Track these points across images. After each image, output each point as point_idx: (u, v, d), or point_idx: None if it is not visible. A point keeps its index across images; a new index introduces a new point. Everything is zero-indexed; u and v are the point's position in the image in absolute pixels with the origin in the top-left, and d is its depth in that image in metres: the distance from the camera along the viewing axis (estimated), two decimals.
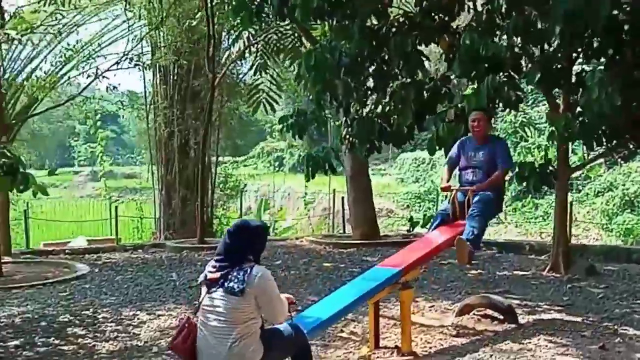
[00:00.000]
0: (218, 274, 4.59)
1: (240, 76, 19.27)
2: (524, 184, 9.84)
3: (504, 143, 7.88)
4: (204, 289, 4.69)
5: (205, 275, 4.66)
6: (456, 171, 7.81)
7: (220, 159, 20.52)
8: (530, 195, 25.52)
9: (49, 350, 6.57)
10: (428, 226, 8.11)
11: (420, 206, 29.32)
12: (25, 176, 8.40)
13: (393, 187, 33.69)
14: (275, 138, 46.81)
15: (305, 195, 27.72)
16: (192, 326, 4.71)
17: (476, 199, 7.19)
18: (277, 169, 43.86)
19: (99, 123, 25.53)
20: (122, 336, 7.03)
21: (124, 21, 16.19)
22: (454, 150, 7.82)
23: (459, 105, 9.34)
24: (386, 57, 9.95)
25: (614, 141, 9.60)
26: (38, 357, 6.33)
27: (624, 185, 23.81)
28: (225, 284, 4.52)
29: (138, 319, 7.77)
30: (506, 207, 25.79)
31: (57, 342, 6.85)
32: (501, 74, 8.92)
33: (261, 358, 4.61)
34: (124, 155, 64.74)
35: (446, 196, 7.78)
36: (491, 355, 6.04)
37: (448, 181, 7.68)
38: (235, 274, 4.52)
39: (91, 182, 48.21)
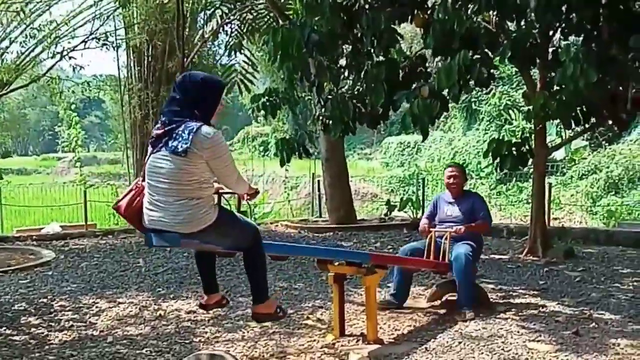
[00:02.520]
0: (162, 131, 4.23)
1: (217, 58, 18.93)
2: (498, 162, 9.57)
3: (481, 198, 7.66)
4: (149, 149, 4.37)
5: (152, 134, 4.34)
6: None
7: None
8: (514, 179, 25.41)
9: None
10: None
11: (405, 190, 29.07)
12: None
13: (378, 171, 33.49)
14: (260, 123, 46.49)
15: (286, 179, 27.40)
16: (140, 189, 4.45)
17: (456, 248, 6.96)
18: (262, 153, 43.58)
19: (74, 107, 24.96)
20: (77, 325, 6.72)
21: (95, 2, 15.70)
22: (430, 207, 7.67)
23: (432, 83, 9.04)
24: (359, 34, 9.66)
25: (592, 119, 9.36)
26: None
27: (608, 167, 23.70)
28: (170, 142, 4.19)
29: (97, 307, 7.46)
30: (490, 190, 25.66)
31: (8, 332, 6.53)
32: (476, 50, 8.65)
33: (212, 226, 4.35)
34: (108, 141, 64.27)
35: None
36: (460, 342, 5.81)
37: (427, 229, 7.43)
38: (180, 132, 4.17)
39: (75, 168, 47.80)
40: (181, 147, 4.13)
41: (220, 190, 4.79)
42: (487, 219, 7.29)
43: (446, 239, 7.07)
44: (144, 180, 4.42)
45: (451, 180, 7.38)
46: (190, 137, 4.13)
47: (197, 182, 4.23)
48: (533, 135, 10.01)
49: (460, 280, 6.81)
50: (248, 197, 4.94)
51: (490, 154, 9.68)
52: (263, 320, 5.10)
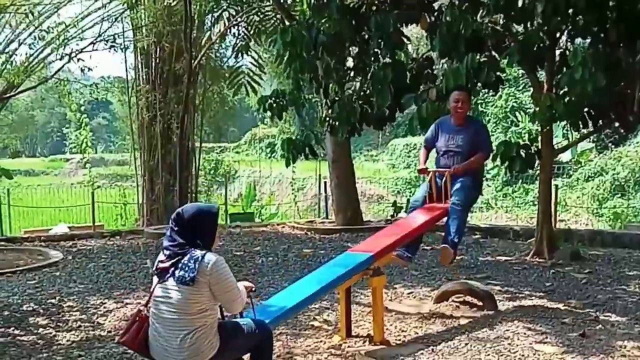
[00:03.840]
0: (168, 263, 4.30)
1: (224, 60, 18.95)
2: (506, 164, 9.56)
3: (485, 127, 7.65)
4: (155, 279, 4.41)
5: (156, 265, 4.39)
6: (434, 153, 7.51)
7: (209, 145, 20.15)
8: (520, 181, 25.39)
9: (7, 341, 6.30)
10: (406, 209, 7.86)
11: (411, 192, 29.05)
12: None
13: (384, 173, 33.51)
14: (267, 124, 46.53)
15: (293, 180, 27.46)
16: (143, 319, 4.43)
17: (456, 186, 6.97)
18: (268, 155, 43.63)
19: (83, 108, 25.08)
20: (85, 326, 6.76)
21: (104, 4, 15.75)
22: (430, 131, 7.49)
23: (440, 86, 9.06)
24: (366, 36, 9.69)
25: (599, 121, 9.35)
26: None
27: (614, 169, 23.66)
28: (176, 272, 4.23)
29: (104, 307, 7.50)
30: (496, 192, 25.63)
31: (16, 332, 6.59)
32: (483, 53, 8.67)
33: (217, 352, 4.35)
34: (116, 142, 64.40)
35: (423, 178, 7.50)
36: (467, 344, 5.82)
37: (425, 163, 7.41)
38: (186, 262, 4.23)
39: (83, 169, 47.93)
40: (189, 276, 4.18)
41: (228, 312, 4.74)
42: (486, 149, 7.23)
43: (446, 178, 7.01)
44: (147, 309, 4.46)
45: (459, 104, 7.17)
46: (196, 265, 4.19)
47: (202, 311, 4.26)
48: (539, 137, 10.00)
49: (458, 208, 6.85)
50: (248, 304, 4.90)
51: (499, 157, 9.67)
52: None
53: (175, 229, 4.36)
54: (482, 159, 7.29)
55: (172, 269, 4.27)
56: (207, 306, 4.29)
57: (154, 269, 4.42)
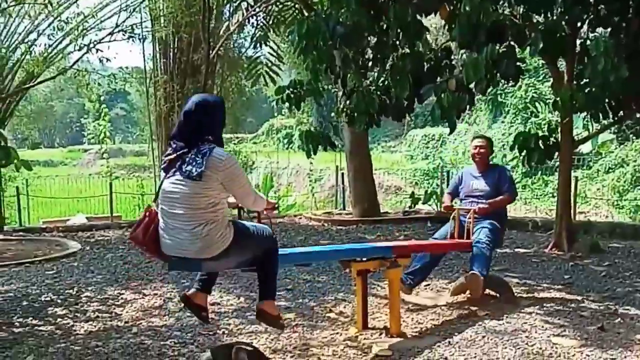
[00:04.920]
0: (174, 156, 4.27)
1: (242, 50, 18.95)
2: (525, 155, 9.49)
3: (507, 170, 7.68)
4: (162, 175, 4.39)
5: (163, 159, 4.36)
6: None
7: (226, 135, 20.10)
8: (539, 172, 25.19)
9: (25, 331, 6.31)
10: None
11: (429, 183, 28.93)
12: (6, 151, 8.09)
13: (402, 164, 33.37)
14: (284, 115, 46.47)
15: (311, 172, 27.40)
16: (153, 215, 4.42)
17: (480, 226, 7.00)
18: (286, 146, 43.58)
19: (102, 98, 25.13)
20: (103, 316, 6.77)
21: None
22: (454, 181, 7.70)
23: (460, 76, 8.98)
24: (385, 27, 9.61)
25: (620, 112, 9.25)
26: (12, 338, 6.06)
27: (635, 161, 23.39)
28: (183, 167, 4.21)
29: (122, 298, 7.52)
30: (515, 183, 25.47)
31: (35, 322, 6.60)
32: (503, 43, 8.58)
33: (229, 246, 4.35)
34: (133, 133, 64.63)
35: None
36: (484, 336, 5.77)
37: (450, 202, 7.53)
38: (193, 156, 4.20)
39: (101, 160, 48.15)
40: (196, 171, 4.15)
41: (240, 205, 4.79)
42: (511, 192, 7.27)
43: (470, 217, 7.04)
44: (157, 205, 4.43)
45: (477, 151, 7.35)
46: (204, 160, 4.15)
47: (212, 205, 4.24)
48: (559, 128, 9.90)
49: (484, 243, 6.84)
50: (267, 212, 4.93)
51: (516, 147, 9.60)
52: (266, 321, 4.87)
53: (187, 120, 4.30)
54: (507, 201, 7.31)
55: (179, 163, 4.23)
56: (216, 200, 4.26)
57: (162, 163, 4.40)
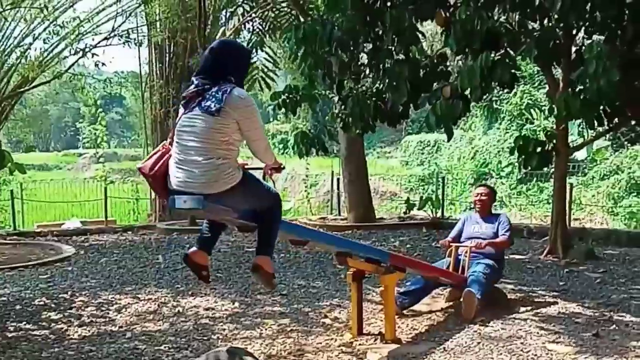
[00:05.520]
0: (195, 92, 4.33)
1: None
2: (523, 159, 9.50)
3: (506, 216, 7.64)
4: (181, 110, 4.43)
5: (184, 94, 4.41)
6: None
7: None
8: (535, 179, 25.22)
9: (19, 335, 6.29)
10: None
11: (424, 189, 28.93)
12: (0, 154, 8.06)
13: (397, 170, 33.36)
14: (280, 120, 46.45)
15: (307, 177, 27.39)
16: (167, 150, 4.48)
17: (475, 261, 7.01)
18: (281, 151, 43.55)
19: (99, 103, 25.15)
20: (97, 321, 6.76)
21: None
22: (457, 226, 7.65)
23: (455, 83, 8.99)
24: (380, 32, 9.62)
25: (615, 119, 9.27)
26: (5, 343, 6.04)
27: (630, 168, 23.43)
28: (203, 102, 4.27)
29: (116, 302, 7.50)
30: (510, 190, 25.49)
31: (28, 326, 6.59)
32: (498, 50, 8.59)
33: (236, 186, 4.38)
34: (129, 138, 64.54)
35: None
36: (479, 343, 5.77)
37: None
38: (213, 92, 4.26)
39: (95, 164, 48.00)
40: (214, 106, 4.21)
41: (246, 166, 4.79)
42: (507, 237, 7.25)
43: (466, 253, 7.06)
44: (171, 143, 4.45)
45: (478, 198, 7.43)
46: (224, 97, 4.22)
47: (226, 143, 4.29)
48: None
49: (482, 275, 6.81)
50: (272, 171, 4.98)
51: (516, 151, 9.61)
52: (260, 276, 4.84)
53: (211, 59, 4.38)
54: (505, 243, 7.29)
55: (199, 98, 4.29)
56: (231, 139, 4.31)
57: (181, 97, 4.44)
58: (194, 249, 4.93)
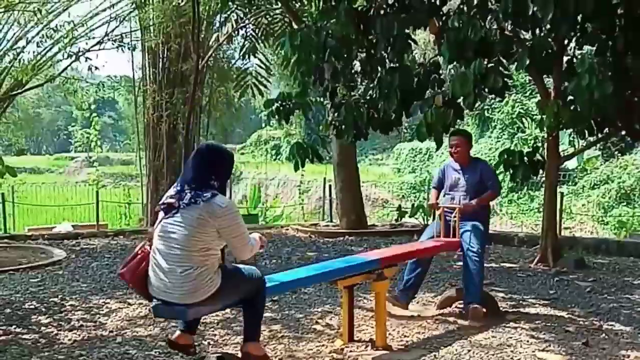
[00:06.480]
0: (176, 199, 4.30)
1: (232, 61, 18.96)
2: (510, 172, 9.56)
3: (489, 165, 7.65)
4: (160, 214, 4.39)
5: (164, 199, 4.37)
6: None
7: None
8: (525, 187, 25.31)
9: (9, 339, 6.26)
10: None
11: (415, 196, 29.01)
12: None
13: (389, 177, 33.45)
14: (272, 126, 46.49)
15: (301, 183, 27.44)
16: (145, 254, 4.45)
17: (467, 228, 7.00)
18: (273, 157, 43.58)
19: (92, 107, 25.08)
20: (87, 325, 6.73)
21: (112, 3, 15.77)
22: (437, 175, 7.64)
23: (447, 91, 9.04)
24: (373, 40, 9.65)
25: (606, 129, 9.33)
26: None
27: (620, 178, 23.57)
28: (182, 210, 4.24)
29: (107, 307, 7.48)
30: (501, 198, 25.57)
31: (18, 330, 6.56)
32: (490, 59, 8.64)
33: (216, 291, 4.35)
34: (121, 142, 64.44)
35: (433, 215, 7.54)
36: (469, 350, 5.79)
37: (436, 199, 7.49)
38: (194, 200, 4.23)
39: (87, 168, 47.89)
40: (194, 215, 4.18)
41: (236, 256, 4.76)
42: (495, 188, 7.25)
43: (455, 216, 7.03)
44: (150, 245, 4.43)
45: (453, 149, 7.27)
46: (205, 206, 4.19)
47: (205, 249, 4.27)
48: (545, 144, 9.98)
49: (473, 268, 6.83)
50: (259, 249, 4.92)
51: (502, 165, 9.66)
52: None
53: (193, 163, 4.37)
54: (491, 197, 7.33)
55: (179, 205, 4.25)
56: (210, 246, 4.28)
57: (161, 203, 4.39)
58: (177, 333, 4.88)
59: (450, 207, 7.18)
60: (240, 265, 4.73)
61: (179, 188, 4.35)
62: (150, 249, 4.44)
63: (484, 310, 6.68)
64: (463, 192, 7.19)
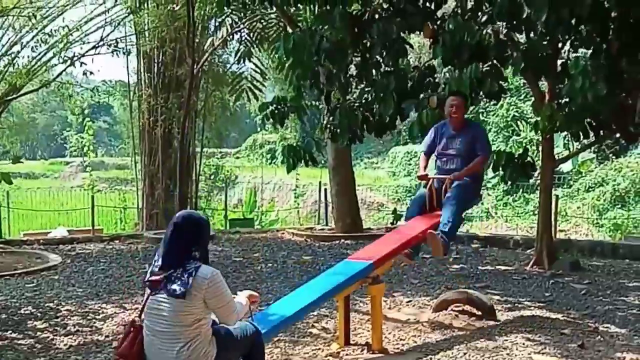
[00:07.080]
0: (161, 276, 4.20)
1: (228, 65, 18.97)
2: (499, 172, 9.59)
3: (482, 129, 7.56)
4: (147, 291, 4.36)
5: (148, 276, 4.33)
6: (434, 157, 7.43)
7: (210, 150, 20.06)
8: (521, 190, 25.36)
9: (4, 344, 6.27)
10: (404, 216, 7.80)
11: (411, 200, 29.02)
12: None
13: (385, 181, 33.45)
14: (268, 130, 46.46)
15: (297, 187, 27.43)
16: (138, 330, 4.37)
17: (454, 185, 6.89)
18: (269, 161, 43.55)
19: (86, 111, 25.08)
20: (83, 330, 6.73)
21: (107, 8, 15.77)
22: (429, 136, 7.42)
23: (442, 94, 9.06)
24: (368, 44, 9.68)
25: (600, 132, 9.36)
26: None
27: (614, 180, 23.63)
28: (168, 286, 4.14)
29: (103, 312, 7.48)
30: (497, 201, 25.61)
31: (14, 335, 6.56)
32: (485, 62, 8.67)
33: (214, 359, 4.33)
34: (116, 147, 64.29)
35: (424, 185, 7.42)
36: (465, 353, 5.79)
37: (425, 169, 7.33)
38: (179, 275, 4.15)
39: (82, 173, 47.79)
40: (180, 290, 4.13)
41: (222, 323, 4.64)
42: (485, 152, 7.15)
43: (445, 186, 6.93)
44: (141, 319, 4.42)
45: (453, 109, 7.10)
46: (189, 279, 4.14)
47: (196, 321, 4.22)
48: (540, 147, 10.00)
49: (452, 200, 6.75)
50: (248, 313, 4.87)
51: (491, 166, 9.69)
52: None
53: (173, 236, 4.29)
54: (481, 162, 7.18)
55: (165, 281, 4.17)
56: (200, 316, 4.22)
57: (146, 280, 4.36)
58: None
59: (440, 177, 7.07)
60: (233, 326, 4.59)
61: (160, 263, 4.27)
62: (142, 320, 4.42)
63: (442, 241, 6.55)
64: (455, 156, 7.05)
